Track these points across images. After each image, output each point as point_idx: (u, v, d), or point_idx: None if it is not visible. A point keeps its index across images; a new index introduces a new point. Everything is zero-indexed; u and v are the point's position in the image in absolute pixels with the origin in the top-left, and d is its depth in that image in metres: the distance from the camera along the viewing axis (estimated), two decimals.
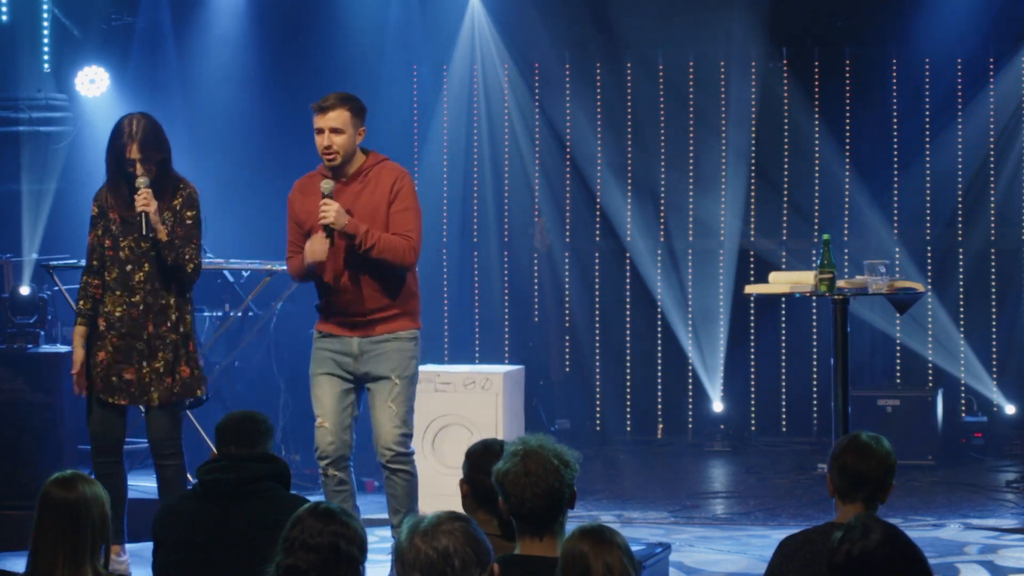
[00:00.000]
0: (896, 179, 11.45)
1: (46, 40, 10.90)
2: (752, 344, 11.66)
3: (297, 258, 7.03)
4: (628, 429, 11.64)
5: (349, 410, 6.99)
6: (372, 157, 7.02)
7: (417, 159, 11.69)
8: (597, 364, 11.74)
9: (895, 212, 11.46)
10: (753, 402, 11.61)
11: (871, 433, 4.75)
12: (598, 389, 11.72)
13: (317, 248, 6.85)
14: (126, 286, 7.08)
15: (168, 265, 7.06)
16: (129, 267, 7.09)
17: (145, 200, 6.99)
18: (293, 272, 7.14)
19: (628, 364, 11.70)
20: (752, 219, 11.59)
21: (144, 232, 7.02)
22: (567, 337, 11.73)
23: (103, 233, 7.15)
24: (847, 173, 11.43)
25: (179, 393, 7.13)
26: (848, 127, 11.49)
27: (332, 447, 6.97)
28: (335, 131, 6.90)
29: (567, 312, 11.71)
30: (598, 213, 11.72)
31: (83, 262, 9.44)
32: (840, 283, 7.14)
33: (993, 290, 11.42)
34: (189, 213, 7.13)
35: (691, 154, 11.63)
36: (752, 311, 11.68)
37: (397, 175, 6.97)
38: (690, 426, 11.64)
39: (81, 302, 7.23)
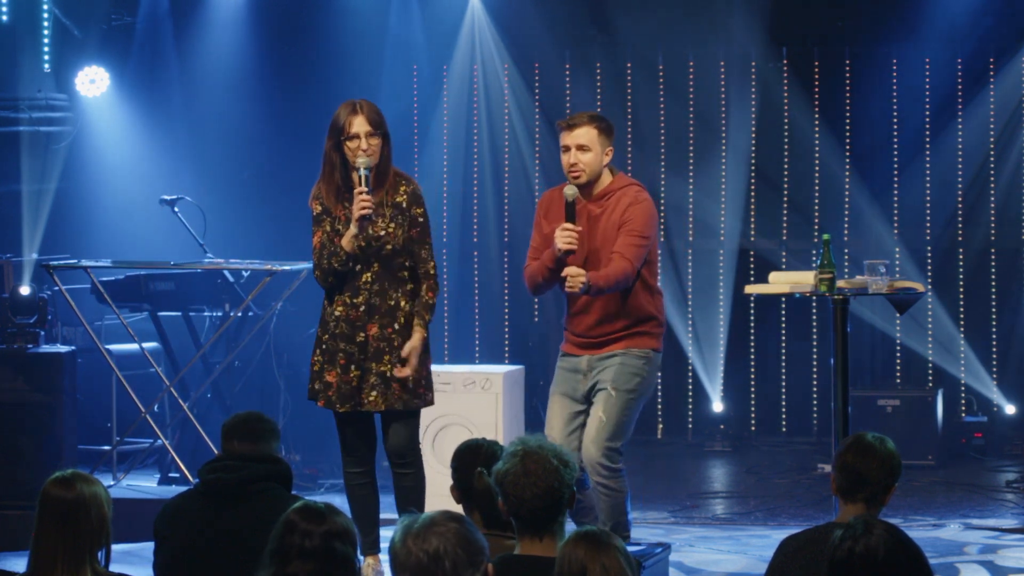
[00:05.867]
0: (896, 179, 11.45)
1: (46, 40, 10.91)
2: (752, 344, 11.66)
3: (534, 264, 6.92)
4: None
5: (577, 432, 6.87)
6: (619, 180, 6.90)
7: (417, 159, 11.68)
8: None
9: (895, 212, 11.45)
10: (753, 402, 11.61)
11: (877, 434, 4.74)
12: None
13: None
14: (351, 286, 6.74)
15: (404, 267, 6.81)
16: (358, 266, 6.73)
17: (365, 203, 6.60)
18: (527, 278, 6.99)
19: None
20: (752, 219, 11.59)
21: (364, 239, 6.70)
22: None
23: (331, 230, 6.73)
24: (847, 173, 11.43)
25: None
26: (848, 127, 11.49)
27: None
28: (581, 148, 6.79)
29: None
30: None
31: (83, 262, 9.52)
32: (840, 283, 7.13)
33: (993, 290, 11.42)
34: (419, 210, 6.82)
35: (691, 154, 11.62)
36: (752, 311, 11.68)
37: (632, 199, 6.82)
38: (690, 426, 11.64)
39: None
